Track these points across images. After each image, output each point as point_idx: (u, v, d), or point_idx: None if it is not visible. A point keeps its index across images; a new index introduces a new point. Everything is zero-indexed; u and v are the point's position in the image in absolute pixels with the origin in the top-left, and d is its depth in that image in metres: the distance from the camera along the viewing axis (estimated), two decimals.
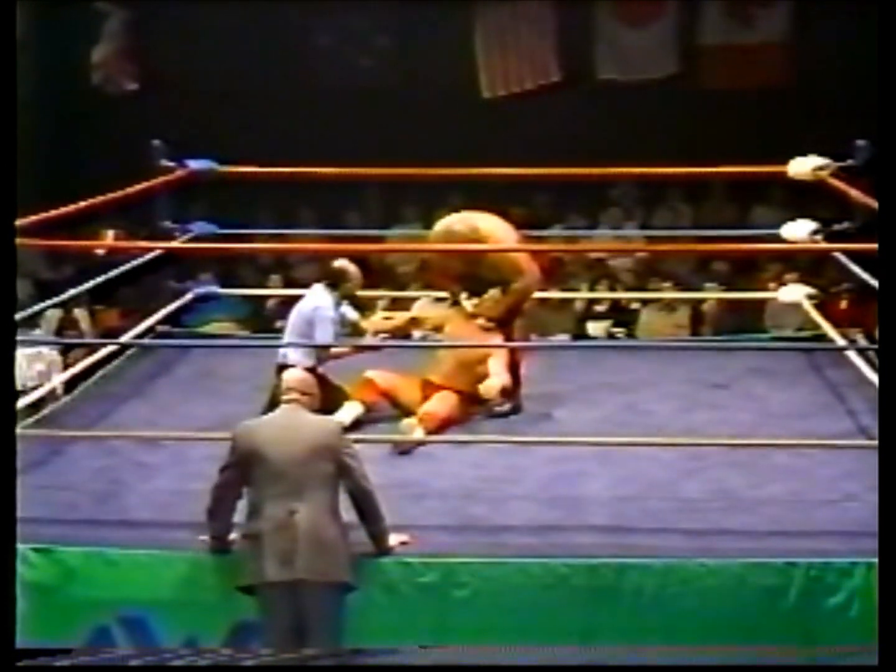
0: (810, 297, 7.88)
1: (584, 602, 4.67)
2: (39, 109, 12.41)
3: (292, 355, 6.21)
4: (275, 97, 12.57)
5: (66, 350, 9.06)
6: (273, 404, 5.23)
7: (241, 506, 4.71)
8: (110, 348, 7.41)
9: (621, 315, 10.39)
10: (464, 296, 6.63)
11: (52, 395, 7.15)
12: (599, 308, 10.48)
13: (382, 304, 10.06)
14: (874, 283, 6.01)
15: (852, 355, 6.96)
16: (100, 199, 6.52)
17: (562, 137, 11.71)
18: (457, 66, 12.58)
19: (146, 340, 7.48)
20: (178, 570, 4.80)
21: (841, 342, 7.34)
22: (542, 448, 5.78)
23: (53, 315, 9.42)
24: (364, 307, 7.39)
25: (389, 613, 4.71)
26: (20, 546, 4.56)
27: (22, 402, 6.45)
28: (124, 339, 7.62)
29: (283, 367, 5.67)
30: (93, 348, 7.67)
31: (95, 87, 13.20)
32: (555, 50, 12.77)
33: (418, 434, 6.03)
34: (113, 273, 7.36)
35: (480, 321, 6.54)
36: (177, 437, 5.91)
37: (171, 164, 7.29)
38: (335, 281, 6.44)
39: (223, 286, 9.12)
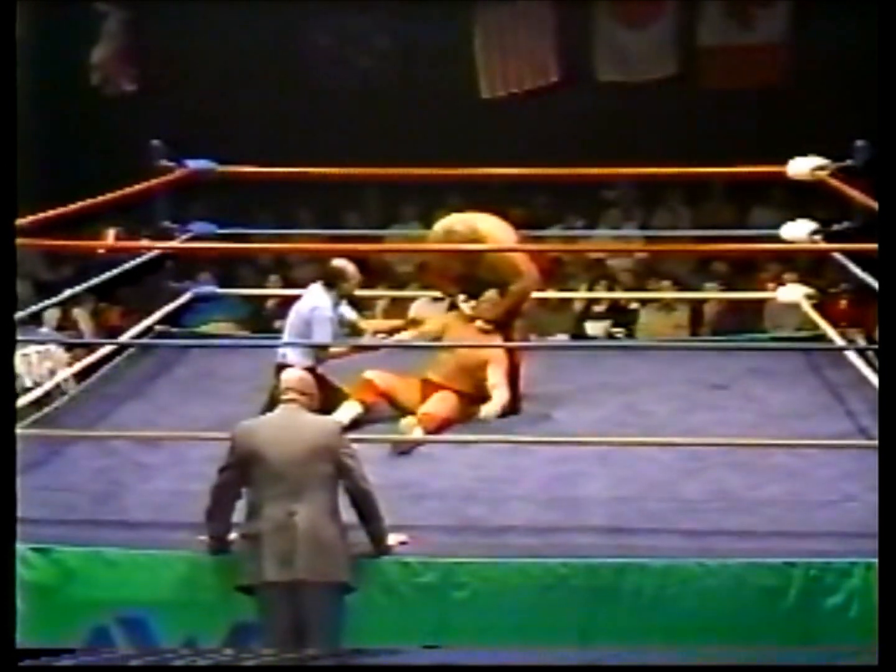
0: (809, 297, 7.87)
1: (583, 602, 4.66)
2: (39, 110, 12.39)
3: (291, 355, 6.19)
4: (274, 97, 12.57)
5: (68, 349, 9.05)
6: (272, 404, 5.22)
7: (241, 506, 4.71)
8: (111, 347, 7.41)
9: (621, 315, 10.37)
10: (461, 298, 6.60)
11: (58, 391, 7.14)
12: (598, 308, 10.46)
13: (381, 304, 10.07)
14: (873, 283, 6.00)
15: (851, 356, 6.95)
16: (99, 199, 6.52)
17: (561, 138, 11.71)
18: (456, 66, 12.59)
19: (146, 340, 7.48)
20: (178, 571, 4.79)
21: (840, 342, 7.33)
22: (542, 448, 5.77)
23: (52, 315, 9.41)
24: (363, 307, 7.38)
25: (389, 614, 4.71)
26: (20, 546, 4.55)
27: (33, 396, 6.54)
28: (124, 338, 7.62)
29: (282, 367, 5.66)
30: (92, 348, 7.67)
31: (94, 88, 13.20)
32: (554, 50, 12.77)
33: (417, 434, 6.03)
34: (113, 273, 7.36)
35: (479, 324, 6.52)
36: (176, 438, 5.91)
37: (171, 164, 7.28)
38: (333, 281, 6.41)
39: (222, 286, 9.13)
